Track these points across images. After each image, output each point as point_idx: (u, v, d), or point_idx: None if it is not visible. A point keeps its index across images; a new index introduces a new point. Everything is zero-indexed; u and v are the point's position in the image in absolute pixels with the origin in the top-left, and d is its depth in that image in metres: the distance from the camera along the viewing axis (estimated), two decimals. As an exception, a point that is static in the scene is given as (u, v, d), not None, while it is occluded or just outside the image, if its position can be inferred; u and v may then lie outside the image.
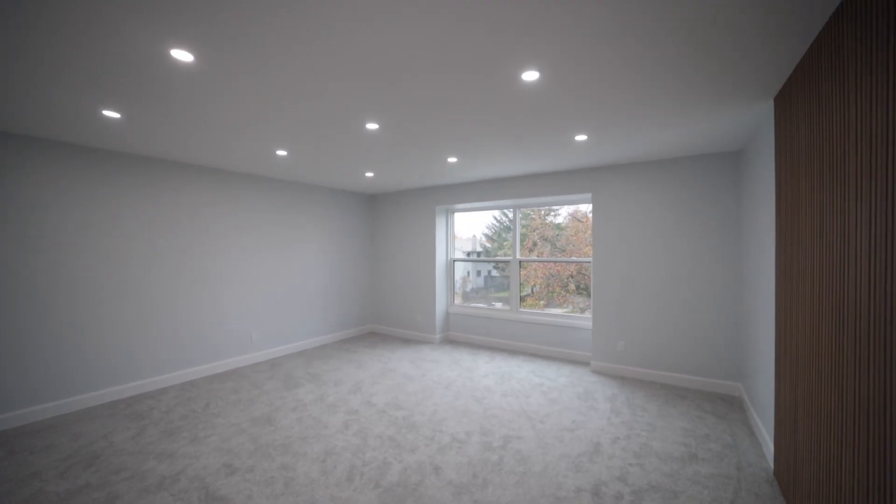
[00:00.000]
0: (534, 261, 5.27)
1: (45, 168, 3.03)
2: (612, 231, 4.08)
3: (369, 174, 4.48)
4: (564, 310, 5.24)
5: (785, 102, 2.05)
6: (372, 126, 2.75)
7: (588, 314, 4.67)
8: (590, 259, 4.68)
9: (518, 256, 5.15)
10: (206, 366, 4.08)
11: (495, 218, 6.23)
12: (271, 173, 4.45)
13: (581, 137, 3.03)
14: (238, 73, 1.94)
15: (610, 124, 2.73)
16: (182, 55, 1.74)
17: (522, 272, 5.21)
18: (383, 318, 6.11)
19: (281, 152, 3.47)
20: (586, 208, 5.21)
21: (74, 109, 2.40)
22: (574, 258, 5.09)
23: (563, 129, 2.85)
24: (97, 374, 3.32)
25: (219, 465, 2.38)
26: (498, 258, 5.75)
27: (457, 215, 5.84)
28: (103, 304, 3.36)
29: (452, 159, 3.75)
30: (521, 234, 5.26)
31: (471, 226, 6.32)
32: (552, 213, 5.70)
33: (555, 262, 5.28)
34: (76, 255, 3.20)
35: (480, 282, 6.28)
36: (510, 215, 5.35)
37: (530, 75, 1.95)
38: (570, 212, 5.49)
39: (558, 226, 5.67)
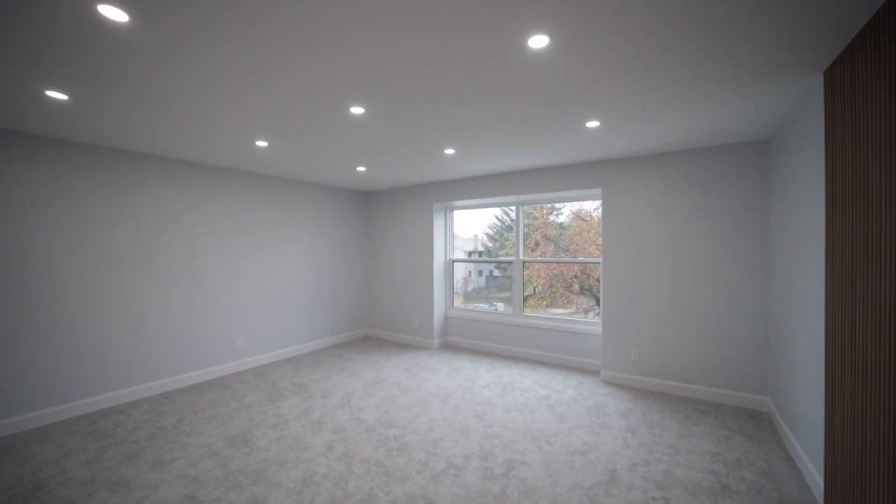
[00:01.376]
0: (537, 261, 4.95)
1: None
2: (624, 229, 3.76)
3: (361, 168, 4.17)
4: (568, 311, 4.94)
5: (842, 74, 1.72)
6: (357, 110, 2.43)
7: (592, 316, 4.35)
8: (596, 259, 4.35)
9: (521, 257, 4.83)
10: (185, 375, 3.77)
11: (497, 217, 5.92)
12: (257, 168, 4.13)
13: (593, 124, 2.70)
14: (189, 39, 1.62)
15: (626, 107, 2.40)
16: (114, 13, 1.43)
17: (525, 272, 4.89)
18: (379, 321, 5.80)
19: (261, 143, 3.16)
20: (590, 206, 4.90)
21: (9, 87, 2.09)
22: (581, 258, 4.77)
23: (573, 114, 2.52)
24: (60, 385, 3.01)
25: (179, 498, 2.07)
26: (500, 258, 5.43)
27: (457, 213, 5.52)
28: (69, 309, 3.05)
29: (450, 151, 3.43)
30: (524, 234, 4.93)
31: (472, 225, 6.02)
32: (554, 213, 5.39)
33: (559, 262, 4.96)
34: (38, 255, 2.90)
35: (482, 281, 5.97)
36: (512, 214, 5.03)
37: (539, 41, 1.63)
38: (573, 210, 5.18)
39: (561, 225, 5.36)
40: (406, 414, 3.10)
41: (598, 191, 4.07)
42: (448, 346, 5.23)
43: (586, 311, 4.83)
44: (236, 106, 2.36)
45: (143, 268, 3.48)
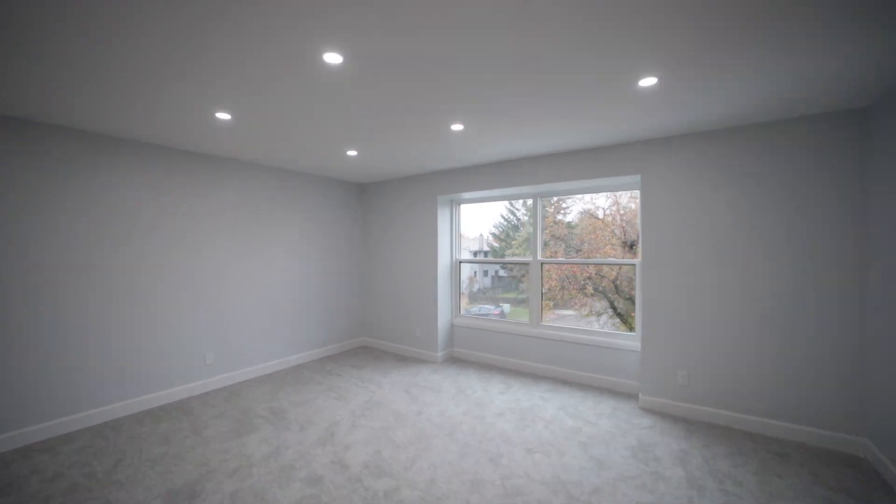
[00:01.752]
0: (557, 262, 4.28)
1: None
2: (669, 224, 3.09)
3: (352, 153, 3.53)
4: (582, 312, 4.41)
5: None
6: (333, 58, 1.79)
7: (605, 319, 3.68)
8: (630, 261, 3.69)
9: (540, 258, 4.17)
10: (139, 398, 3.15)
11: (503, 216, 5.26)
12: (226, 152, 3.51)
13: (648, 81, 2.04)
14: None
15: (695, 56, 1.74)
16: None
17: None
18: (376, 331, 5.16)
19: (221, 115, 2.53)
20: (602, 202, 4.27)
21: None
22: (610, 259, 4.10)
23: (623, 64, 1.86)
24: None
25: None
26: (514, 259, 4.76)
27: (463, 208, 4.87)
28: (-21, 322, 2.45)
29: (458, 126, 2.79)
30: (532, 234, 4.26)
31: (477, 224, 5.37)
32: (562, 212, 4.76)
33: (582, 263, 4.28)
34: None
35: (488, 282, 5.35)
36: (518, 213, 4.37)
37: None
38: (582, 209, 4.54)
39: (569, 224, 4.72)
40: (402, 455, 2.46)
41: (633, 179, 3.41)
42: (454, 360, 4.58)
43: (599, 314, 4.35)
44: (176, 62, 1.72)
45: (83, 270, 2.86)
